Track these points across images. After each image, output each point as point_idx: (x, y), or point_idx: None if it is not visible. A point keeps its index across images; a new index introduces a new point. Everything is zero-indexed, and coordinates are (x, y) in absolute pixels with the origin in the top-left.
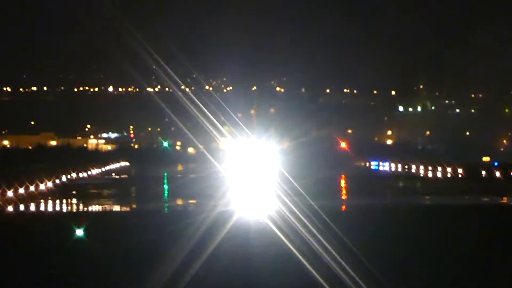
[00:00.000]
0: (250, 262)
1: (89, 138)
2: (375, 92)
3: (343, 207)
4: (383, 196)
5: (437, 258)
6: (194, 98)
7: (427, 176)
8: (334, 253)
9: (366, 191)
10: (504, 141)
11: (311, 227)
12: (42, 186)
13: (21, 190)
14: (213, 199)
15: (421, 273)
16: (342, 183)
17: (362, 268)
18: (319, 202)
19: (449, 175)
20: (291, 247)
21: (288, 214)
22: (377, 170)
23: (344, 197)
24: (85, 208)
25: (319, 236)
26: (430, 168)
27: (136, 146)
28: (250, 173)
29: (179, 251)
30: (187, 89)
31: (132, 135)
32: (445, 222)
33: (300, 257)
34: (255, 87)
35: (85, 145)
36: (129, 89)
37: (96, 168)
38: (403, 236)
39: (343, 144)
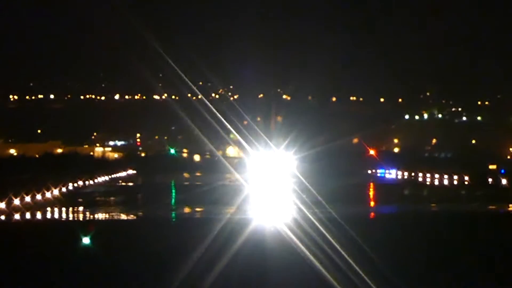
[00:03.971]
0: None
1: (96, 146)
2: (381, 100)
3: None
4: (398, 203)
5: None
6: (201, 106)
7: (434, 183)
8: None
9: (381, 199)
10: (511, 148)
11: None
12: (48, 194)
13: (28, 199)
14: (219, 206)
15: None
16: (366, 192)
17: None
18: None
19: (455, 182)
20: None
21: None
22: (384, 178)
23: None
24: (92, 216)
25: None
26: (437, 175)
27: (143, 154)
28: (256, 180)
29: (183, 261)
30: (194, 97)
31: (139, 143)
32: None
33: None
34: (262, 95)
35: (91, 153)
36: (136, 97)
37: (103, 176)
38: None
39: (371, 152)
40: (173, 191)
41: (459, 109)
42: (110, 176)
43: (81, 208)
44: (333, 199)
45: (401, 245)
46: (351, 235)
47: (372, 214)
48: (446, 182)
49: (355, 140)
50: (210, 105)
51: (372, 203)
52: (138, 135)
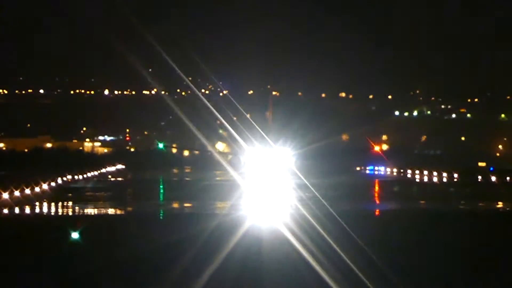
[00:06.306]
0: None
1: (85, 141)
2: (370, 96)
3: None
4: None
5: None
6: (190, 101)
7: (424, 181)
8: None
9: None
10: (500, 146)
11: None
12: (38, 189)
13: (17, 193)
14: (211, 202)
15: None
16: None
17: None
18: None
19: (445, 179)
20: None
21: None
22: (373, 175)
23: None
24: (81, 211)
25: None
26: (426, 173)
27: (132, 149)
28: (243, 175)
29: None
30: (183, 93)
31: (128, 138)
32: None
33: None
34: (251, 91)
35: (81, 148)
36: (125, 92)
37: (93, 170)
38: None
39: (377, 148)
40: (162, 187)
41: (449, 106)
42: (99, 171)
43: (70, 203)
44: (332, 197)
45: (389, 241)
46: (353, 237)
47: (366, 211)
48: (435, 179)
49: (345, 137)
50: (200, 101)
51: (365, 200)
52: (127, 130)
